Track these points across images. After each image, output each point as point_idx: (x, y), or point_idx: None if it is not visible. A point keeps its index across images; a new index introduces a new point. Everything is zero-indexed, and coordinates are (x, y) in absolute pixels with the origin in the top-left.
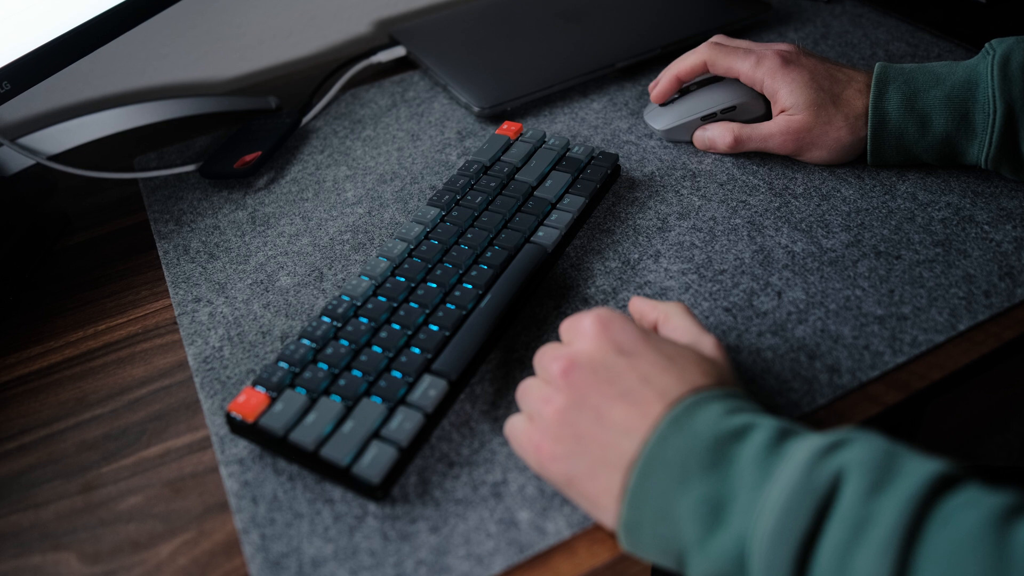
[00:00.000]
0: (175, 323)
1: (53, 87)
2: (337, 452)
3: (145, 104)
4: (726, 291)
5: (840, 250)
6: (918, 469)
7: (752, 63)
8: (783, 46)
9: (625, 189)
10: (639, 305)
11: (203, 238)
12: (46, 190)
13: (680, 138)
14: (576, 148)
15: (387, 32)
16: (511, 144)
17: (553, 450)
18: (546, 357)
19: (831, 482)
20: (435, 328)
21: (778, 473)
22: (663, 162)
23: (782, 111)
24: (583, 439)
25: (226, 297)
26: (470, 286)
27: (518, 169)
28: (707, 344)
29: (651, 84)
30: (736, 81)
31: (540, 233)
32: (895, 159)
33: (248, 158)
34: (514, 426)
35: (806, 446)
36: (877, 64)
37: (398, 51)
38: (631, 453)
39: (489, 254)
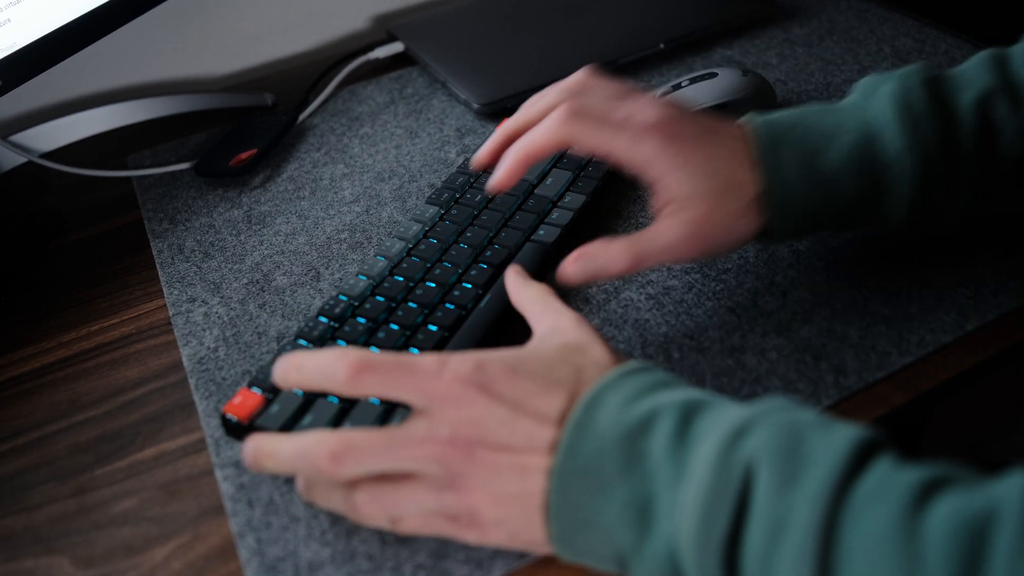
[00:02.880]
0: (169, 323)
1: (45, 84)
2: None
3: (139, 101)
4: (730, 290)
5: (846, 248)
6: (825, 452)
7: (628, 142)
8: (655, 108)
9: (627, 187)
10: (509, 279)
11: (198, 237)
12: (39, 188)
13: None
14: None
15: (385, 28)
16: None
17: (493, 517)
18: (419, 452)
19: (743, 476)
20: (434, 328)
21: (690, 470)
22: None
23: (669, 203)
24: (517, 498)
25: (221, 297)
26: (469, 285)
27: None
28: (569, 326)
29: (478, 156)
30: (730, 77)
31: (541, 232)
32: (801, 233)
33: (243, 156)
34: (430, 525)
35: (713, 436)
36: (749, 118)
37: (396, 47)
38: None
39: (489, 253)
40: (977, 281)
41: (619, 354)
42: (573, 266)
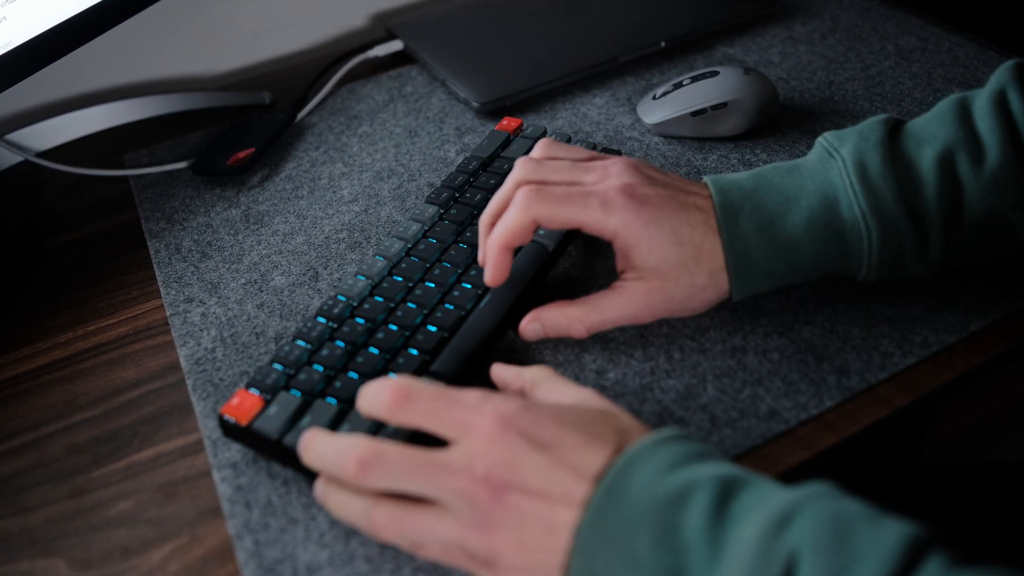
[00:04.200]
0: (167, 324)
1: (41, 82)
2: None
3: (136, 99)
4: None
5: None
6: (875, 549)
7: (597, 210)
8: (621, 171)
9: None
10: (501, 374)
11: (195, 237)
12: (35, 188)
13: (671, 132)
14: (578, 144)
15: (384, 25)
16: (511, 140)
17: (512, 562)
18: (449, 483)
19: (786, 566)
20: (433, 329)
21: (729, 553)
22: (667, 158)
23: (632, 269)
24: (540, 550)
25: (219, 297)
26: (469, 286)
27: None
28: (590, 397)
29: (479, 258)
30: (731, 76)
31: (541, 232)
32: (763, 291)
33: (241, 155)
34: (450, 557)
35: (755, 520)
36: (708, 182)
37: (395, 45)
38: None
39: None
40: (980, 281)
41: (648, 426)
42: (529, 327)
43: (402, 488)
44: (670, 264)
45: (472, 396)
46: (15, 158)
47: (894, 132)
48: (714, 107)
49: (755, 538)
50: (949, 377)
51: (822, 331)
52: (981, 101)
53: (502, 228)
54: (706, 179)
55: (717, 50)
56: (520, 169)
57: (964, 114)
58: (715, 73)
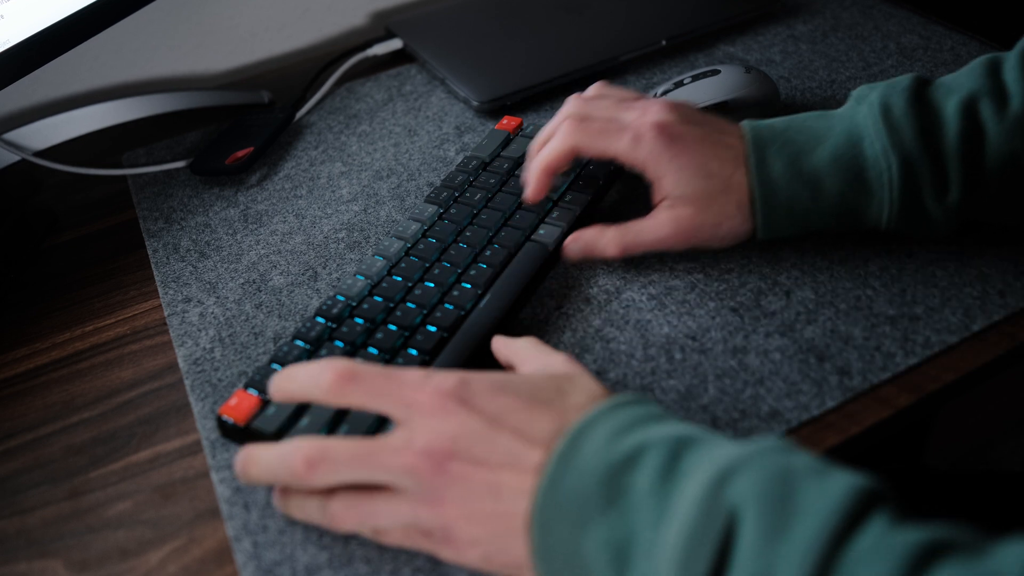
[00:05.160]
0: (165, 324)
1: (39, 81)
2: None
3: (134, 98)
4: (733, 290)
5: (850, 248)
6: (818, 503)
7: (629, 143)
8: (658, 111)
9: (628, 186)
10: (496, 346)
11: (193, 236)
12: (32, 187)
13: None
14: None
15: (383, 24)
16: (511, 139)
17: (467, 535)
18: (393, 462)
19: (726, 523)
20: (433, 329)
21: (673, 510)
22: None
23: (664, 199)
24: (491, 517)
25: (217, 297)
26: (469, 286)
27: (519, 165)
28: (559, 362)
29: (522, 179)
30: (732, 74)
31: (541, 231)
32: (788, 231)
33: (240, 154)
34: (411, 539)
35: (699, 475)
36: (743, 124)
37: (395, 44)
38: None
39: (488, 253)
40: (983, 281)
41: (608, 389)
42: (570, 246)
43: (351, 479)
44: (698, 194)
45: (415, 374)
46: (12, 157)
47: (924, 83)
48: (715, 106)
49: (698, 493)
50: (952, 378)
51: (823, 331)
52: (1012, 57)
53: (545, 152)
54: (744, 121)
55: (718, 48)
56: (569, 104)
57: (993, 68)
58: (716, 72)
